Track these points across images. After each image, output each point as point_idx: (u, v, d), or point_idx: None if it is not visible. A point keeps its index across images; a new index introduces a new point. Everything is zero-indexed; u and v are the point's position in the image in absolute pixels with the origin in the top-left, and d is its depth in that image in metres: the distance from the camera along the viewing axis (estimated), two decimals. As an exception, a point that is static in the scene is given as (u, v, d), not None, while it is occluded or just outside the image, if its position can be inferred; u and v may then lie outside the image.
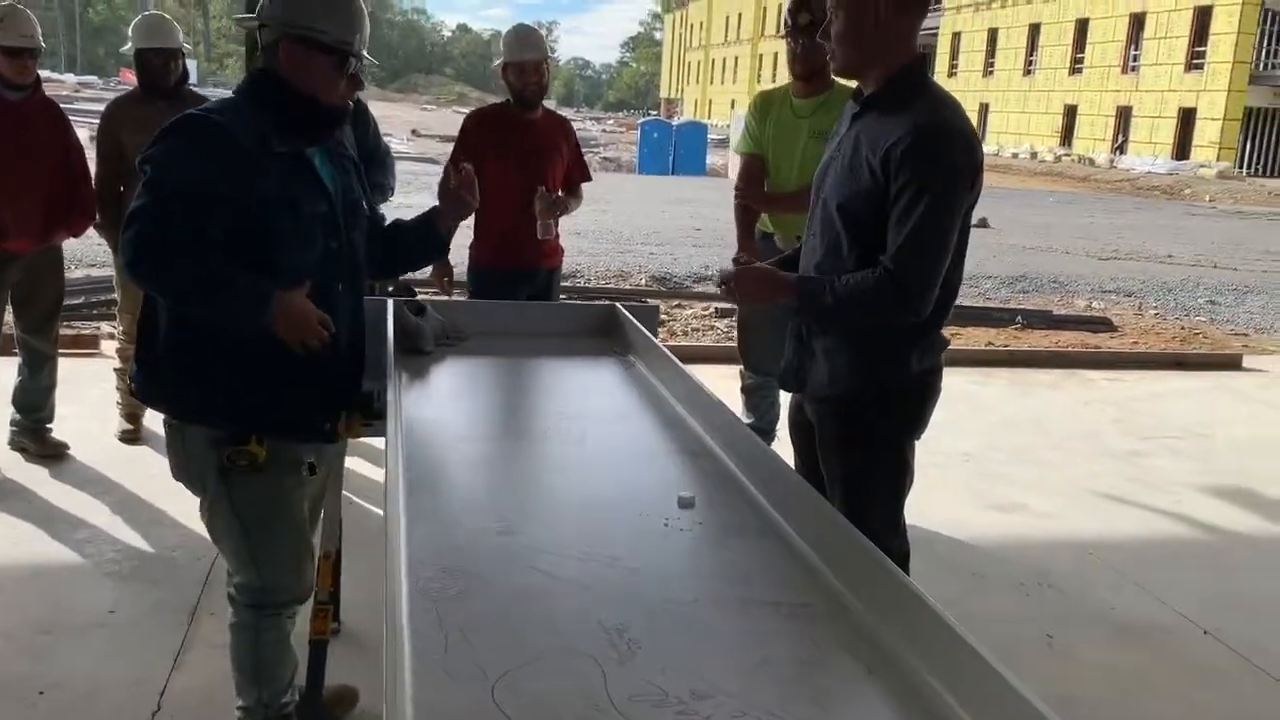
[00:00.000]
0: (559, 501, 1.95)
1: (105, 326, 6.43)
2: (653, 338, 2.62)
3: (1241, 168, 33.21)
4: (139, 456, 4.46)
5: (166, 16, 4.87)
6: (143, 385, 2.24)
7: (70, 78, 48.10)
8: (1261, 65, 33.76)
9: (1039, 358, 7.28)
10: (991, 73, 43.87)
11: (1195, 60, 34.44)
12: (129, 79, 4.74)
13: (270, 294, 2.04)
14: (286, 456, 2.23)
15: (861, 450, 2.44)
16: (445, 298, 4.13)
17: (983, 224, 14.49)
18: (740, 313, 4.20)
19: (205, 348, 2.12)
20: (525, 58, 4.06)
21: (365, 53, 2.18)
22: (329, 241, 2.19)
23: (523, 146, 4.14)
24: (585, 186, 4.45)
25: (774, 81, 67.92)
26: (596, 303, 3.46)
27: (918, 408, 2.48)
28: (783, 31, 3.97)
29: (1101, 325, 8.87)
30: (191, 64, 4.75)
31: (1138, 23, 36.61)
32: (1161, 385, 6.73)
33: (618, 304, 2.91)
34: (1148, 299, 10.52)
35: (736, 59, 67.64)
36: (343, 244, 2.23)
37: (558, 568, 1.61)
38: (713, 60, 73.41)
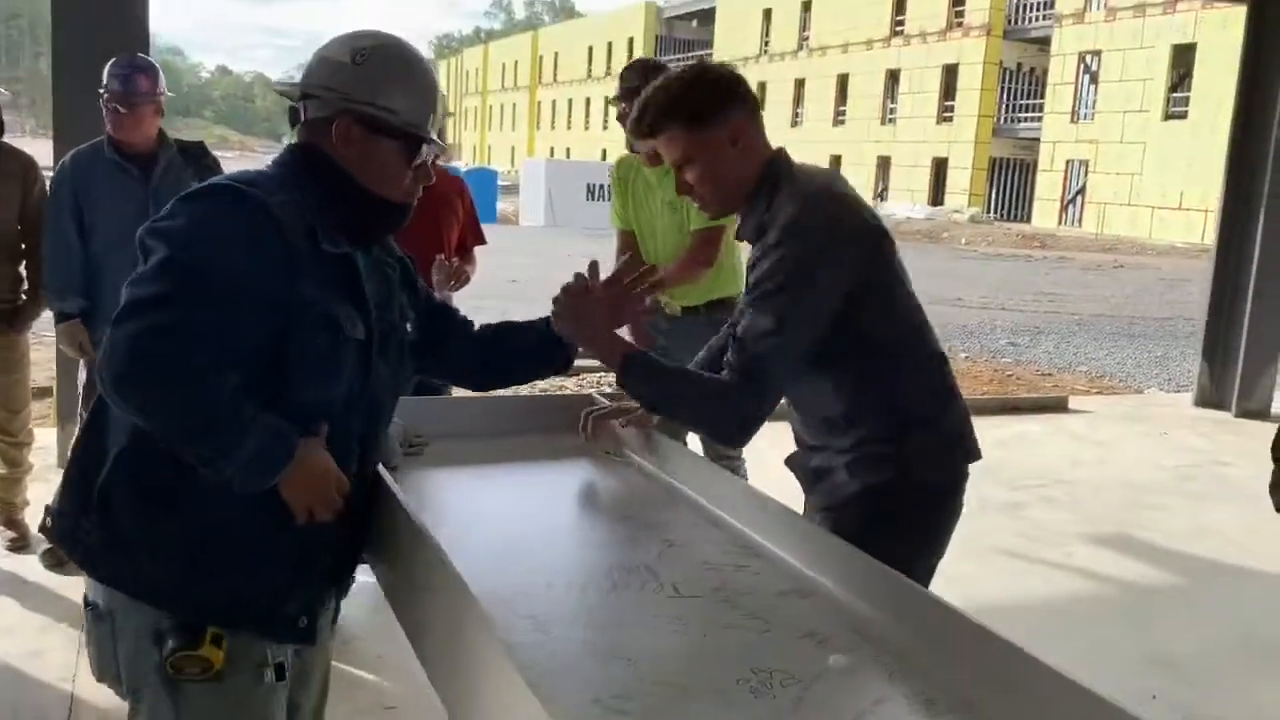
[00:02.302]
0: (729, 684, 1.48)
1: None
2: (666, 435, 2.25)
3: (989, 212, 36.11)
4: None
5: None
6: (87, 545, 1.62)
7: None
8: (1003, 119, 36.98)
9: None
10: (762, 123, 45.76)
11: (945, 114, 37.32)
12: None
13: (294, 441, 1.56)
14: (252, 656, 1.64)
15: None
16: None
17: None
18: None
19: (176, 496, 1.57)
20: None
21: (437, 136, 1.71)
22: (354, 379, 1.68)
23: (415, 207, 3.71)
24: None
25: (552, 129, 67.51)
26: (568, 394, 3.08)
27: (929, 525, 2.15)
28: (615, 114, 3.70)
29: (926, 370, 9.16)
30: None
31: (894, 78, 39.32)
32: (1005, 430, 6.93)
33: (594, 392, 2.54)
34: (955, 342, 11.00)
35: (515, 105, 67.81)
36: (366, 383, 1.71)
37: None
38: (490, 107, 73.32)
